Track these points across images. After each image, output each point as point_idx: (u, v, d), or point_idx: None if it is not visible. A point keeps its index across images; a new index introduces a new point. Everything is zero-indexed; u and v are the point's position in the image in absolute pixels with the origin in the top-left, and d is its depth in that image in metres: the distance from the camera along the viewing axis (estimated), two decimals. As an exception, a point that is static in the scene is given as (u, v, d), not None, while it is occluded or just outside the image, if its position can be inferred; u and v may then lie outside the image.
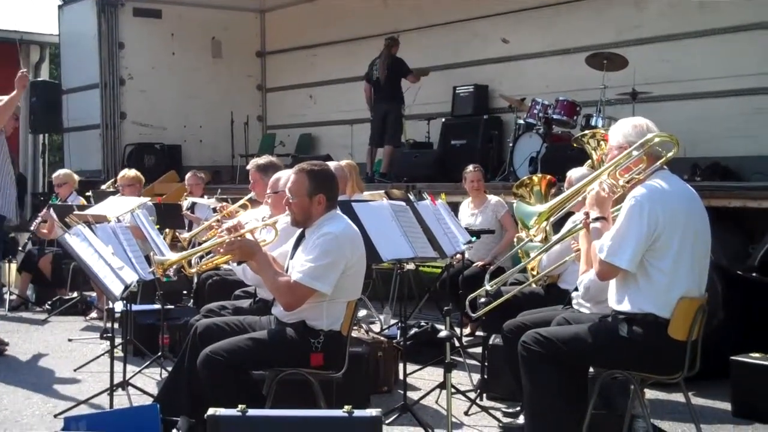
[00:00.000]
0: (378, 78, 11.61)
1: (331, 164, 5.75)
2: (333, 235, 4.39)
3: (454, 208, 7.92)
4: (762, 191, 6.98)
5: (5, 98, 7.08)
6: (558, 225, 5.01)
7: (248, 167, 6.35)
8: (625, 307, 4.10)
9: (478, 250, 7.90)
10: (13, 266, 10.21)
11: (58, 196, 9.86)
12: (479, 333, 7.28)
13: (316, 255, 4.35)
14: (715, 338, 5.51)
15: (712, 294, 4.46)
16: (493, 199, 8.31)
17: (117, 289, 4.64)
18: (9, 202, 7.19)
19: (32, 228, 9.68)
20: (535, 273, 5.47)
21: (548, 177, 5.91)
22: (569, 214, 4.87)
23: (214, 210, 8.28)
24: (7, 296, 9.71)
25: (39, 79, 16.71)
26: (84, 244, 4.78)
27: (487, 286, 4.88)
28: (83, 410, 5.33)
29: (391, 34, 11.98)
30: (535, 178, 5.89)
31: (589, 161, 5.93)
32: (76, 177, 10.19)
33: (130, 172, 9.16)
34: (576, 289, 4.83)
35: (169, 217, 8.69)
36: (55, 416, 5.39)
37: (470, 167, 8.36)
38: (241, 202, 6.73)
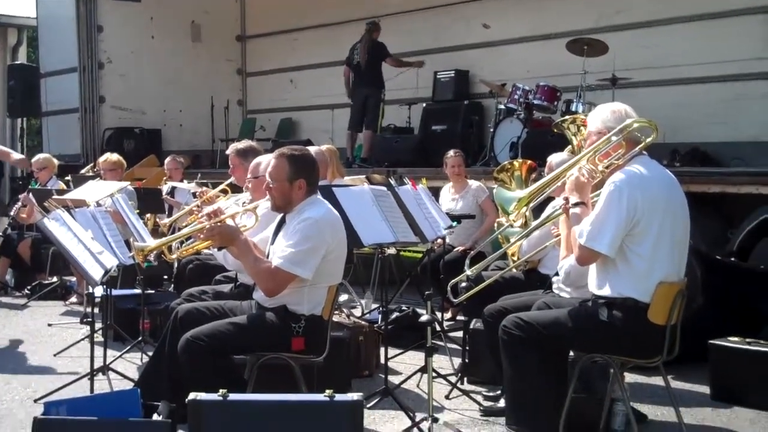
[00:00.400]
0: (359, 62, 11.58)
1: (312, 149, 5.75)
2: (313, 220, 4.39)
3: (435, 193, 7.92)
4: (741, 177, 7.03)
5: None
6: (538, 210, 5.03)
7: (227, 152, 6.32)
8: (605, 291, 4.13)
9: (458, 235, 7.91)
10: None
11: (37, 180, 9.79)
12: (460, 317, 7.31)
13: (297, 240, 4.34)
14: (694, 322, 5.54)
15: (691, 279, 4.50)
16: (473, 184, 8.32)
17: (97, 273, 4.62)
18: None
19: (12, 213, 9.61)
20: (515, 258, 5.48)
21: (529, 162, 5.92)
22: (549, 199, 4.89)
23: (194, 195, 8.25)
24: (-16, 281, 9.65)
25: (17, 62, 16.57)
26: (63, 228, 4.74)
27: (468, 272, 4.90)
28: (63, 395, 5.31)
29: (373, 18, 11.95)
30: (516, 163, 5.89)
31: (570, 146, 5.93)
32: (56, 161, 10.12)
33: (112, 157, 9.08)
34: (556, 274, 4.85)
35: (149, 201, 8.63)
36: (35, 401, 5.37)
37: (451, 152, 8.36)
38: (221, 187, 6.69)
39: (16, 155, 7.96)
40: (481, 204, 8.17)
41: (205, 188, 7.11)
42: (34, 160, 10.12)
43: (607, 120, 4.28)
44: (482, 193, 8.19)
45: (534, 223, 4.89)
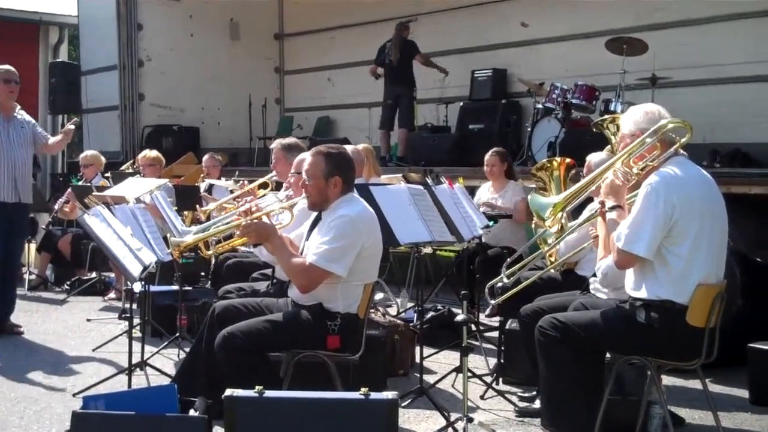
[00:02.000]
0: (390, 61, 11.61)
1: (349, 148, 5.76)
2: (348, 217, 4.40)
3: (472, 192, 7.91)
4: (782, 178, 6.93)
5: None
6: (576, 212, 4.99)
7: (272, 146, 6.40)
8: (643, 293, 4.09)
9: (495, 235, 7.89)
10: (33, 246, 10.27)
11: (83, 176, 9.91)
12: (495, 319, 7.28)
13: (332, 237, 4.35)
14: (733, 325, 5.49)
15: (730, 281, 4.44)
16: (511, 183, 8.28)
17: (136, 269, 4.66)
18: (25, 186, 7.23)
19: (55, 208, 9.75)
20: (553, 259, 5.45)
21: (568, 160, 5.87)
22: (587, 200, 4.85)
23: (232, 192, 8.32)
24: (26, 276, 9.77)
25: (58, 60, 16.75)
26: (103, 224, 4.79)
27: (505, 279, 4.88)
28: (101, 390, 5.37)
29: (410, 16, 11.95)
30: (555, 162, 5.85)
31: (609, 146, 5.89)
32: (103, 159, 10.24)
33: (152, 153, 9.22)
34: (594, 276, 4.82)
35: (186, 198, 8.70)
36: (74, 395, 5.44)
37: (490, 152, 8.33)
38: (260, 180, 6.77)
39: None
40: (515, 204, 8.12)
41: (243, 181, 7.18)
42: (81, 156, 10.28)
43: (640, 122, 4.24)
44: (520, 194, 8.14)
45: (572, 224, 4.86)
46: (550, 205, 4.46)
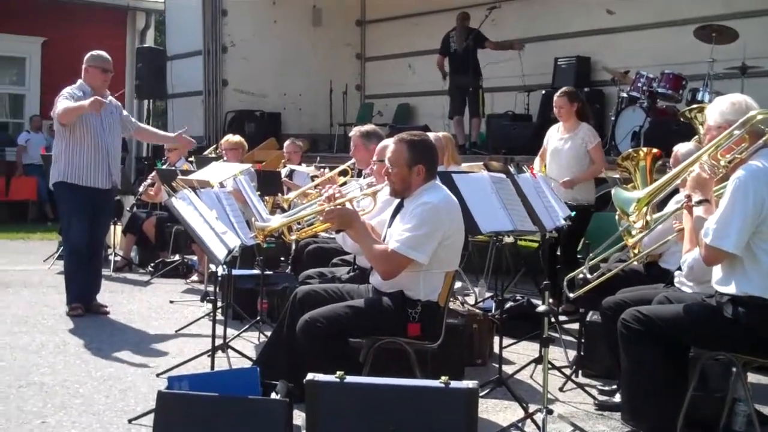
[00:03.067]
0: (455, 50, 11.65)
1: (430, 135, 5.75)
2: (431, 204, 4.40)
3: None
4: None
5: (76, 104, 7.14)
6: (662, 203, 4.90)
7: (351, 133, 6.43)
8: (731, 289, 4.00)
9: (560, 175, 7.77)
10: (119, 228, 10.51)
11: (167, 160, 10.09)
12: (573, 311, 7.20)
13: (414, 224, 4.36)
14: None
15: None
16: (584, 126, 7.93)
17: (221, 253, 4.73)
18: (89, 172, 7.37)
19: (140, 191, 9.96)
20: (636, 252, 5.36)
21: (654, 151, 5.75)
22: (673, 191, 4.76)
23: (313, 178, 8.38)
24: (112, 257, 10.01)
25: (144, 45, 17.09)
26: (190, 208, 4.87)
27: (588, 273, 4.80)
28: (183, 371, 5.47)
29: (493, 3, 11.86)
30: (641, 152, 5.73)
31: (697, 137, 5.77)
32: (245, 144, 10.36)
33: (234, 137, 9.35)
34: (679, 269, 4.73)
35: (268, 184, 8.79)
36: (158, 375, 5.56)
37: (558, 92, 8.03)
38: (341, 167, 6.81)
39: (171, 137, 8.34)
40: (590, 150, 7.86)
41: (324, 169, 7.24)
42: (223, 141, 10.42)
43: (726, 113, 4.14)
44: (593, 138, 7.87)
45: (657, 215, 4.77)
46: (635, 200, 4.37)
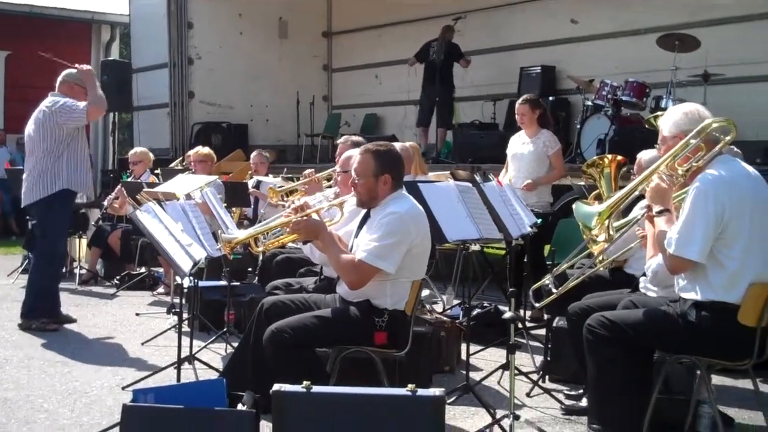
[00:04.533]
0: (434, 60, 11.71)
1: (396, 145, 5.77)
2: (398, 214, 4.41)
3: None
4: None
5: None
6: (627, 209, 4.93)
7: (339, 141, 6.48)
8: (694, 295, 4.04)
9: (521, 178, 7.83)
10: (84, 241, 10.44)
11: (132, 173, 10.04)
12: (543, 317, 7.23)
13: (381, 234, 4.37)
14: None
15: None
16: (545, 132, 7.99)
17: (186, 265, 4.71)
18: (86, 179, 7.36)
19: (105, 204, 9.89)
20: (601, 258, 5.40)
21: (619, 158, 5.81)
22: (639, 197, 4.80)
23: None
24: (77, 271, 9.93)
25: (110, 58, 16.99)
26: (155, 220, 4.85)
27: (553, 289, 4.82)
28: (150, 383, 5.43)
29: (459, 13, 11.94)
30: (606, 159, 5.79)
31: (660, 144, 5.82)
32: (152, 156, 10.37)
33: (203, 149, 9.36)
34: (644, 275, 4.77)
35: (235, 195, 8.79)
36: (123, 388, 5.51)
37: (520, 99, 8.08)
38: (327, 172, 6.95)
39: None
40: (550, 155, 7.91)
41: (311, 171, 7.28)
42: (131, 153, 10.43)
43: (680, 123, 4.19)
44: (554, 144, 7.94)
45: (621, 222, 4.80)
46: (596, 214, 4.40)
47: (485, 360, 6.24)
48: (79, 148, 7.26)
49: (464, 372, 5.37)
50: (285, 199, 7.07)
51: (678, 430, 4.55)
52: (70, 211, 7.52)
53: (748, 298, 3.95)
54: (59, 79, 7.41)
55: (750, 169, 4.20)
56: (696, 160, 4.10)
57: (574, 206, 4.58)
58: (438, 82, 11.70)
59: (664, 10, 10.52)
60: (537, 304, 5.06)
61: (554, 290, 4.84)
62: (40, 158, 7.17)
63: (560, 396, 5.40)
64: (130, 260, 9.93)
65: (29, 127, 7.30)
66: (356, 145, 6.10)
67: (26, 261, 9.91)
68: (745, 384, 5.48)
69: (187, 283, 6.07)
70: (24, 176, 7.39)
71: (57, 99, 7.20)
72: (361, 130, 14.05)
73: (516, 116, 8.07)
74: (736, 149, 5.03)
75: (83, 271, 10.05)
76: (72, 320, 7.49)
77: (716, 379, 5.48)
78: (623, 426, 4.24)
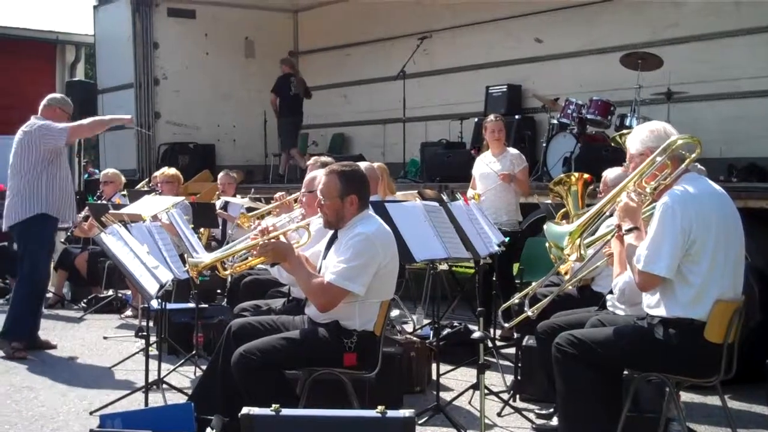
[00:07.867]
0: (297, 93, 12.99)
1: (363, 165, 5.77)
2: (365, 235, 4.40)
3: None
4: (800, 192, 6.88)
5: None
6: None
7: (309, 162, 6.45)
8: (661, 311, 4.07)
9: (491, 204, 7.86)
10: (50, 264, 10.31)
11: (102, 193, 9.97)
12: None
13: (349, 256, 4.36)
14: (752, 341, 5.46)
15: (748, 296, 4.41)
16: (511, 150, 8.17)
17: (152, 288, 4.68)
18: (65, 205, 7.32)
19: (71, 226, 9.79)
20: (568, 277, 5.42)
21: (586, 176, 5.85)
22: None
23: (248, 210, 8.34)
24: (43, 294, 9.81)
25: (75, 79, 16.88)
26: (120, 243, 4.81)
27: (529, 312, 4.83)
28: (118, 408, 5.38)
29: (424, 33, 11.99)
30: (573, 177, 5.83)
31: (627, 162, 5.87)
32: (123, 178, 10.30)
33: (170, 170, 9.32)
34: (611, 292, 4.79)
35: (202, 216, 8.75)
36: (91, 413, 5.45)
37: (491, 116, 8.23)
38: (297, 194, 6.87)
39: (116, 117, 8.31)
40: (517, 173, 8.01)
41: (283, 193, 7.24)
42: (103, 173, 10.37)
43: (646, 141, 4.23)
44: (521, 161, 8.08)
45: (588, 241, 4.81)
46: (566, 234, 4.42)
47: (456, 380, 6.24)
48: (58, 172, 7.22)
49: (435, 392, 5.36)
50: (257, 223, 7.03)
51: (648, 448, 4.57)
52: (49, 235, 7.44)
53: (713, 316, 3.98)
54: (43, 102, 7.41)
55: (716, 186, 4.24)
56: (663, 177, 4.14)
57: (545, 227, 4.60)
58: (298, 113, 13.19)
59: (626, 29, 10.62)
60: (506, 324, 5.07)
61: (527, 310, 4.85)
62: (18, 180, 7.14)
63: (531, 415, 5.41)
64: (97, 283, 9.85)
65: (12, 150, 7.27)
66: (325, 165, 6.10)
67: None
68: (714, 401, 5.53)
69: (154, 305, 6.04)
70: (6, 200, 7.34)
71: (36, 121, 7.19)
72: (328, 149, 14.05)
73: (490, 133, 8.16)
74: (700, 166, 5.09)
75: (49, 295, 9.89)
76: (52, 346, 7.43)
77: (685, 396, 5.51)
78: (593, 444, 4.25)
